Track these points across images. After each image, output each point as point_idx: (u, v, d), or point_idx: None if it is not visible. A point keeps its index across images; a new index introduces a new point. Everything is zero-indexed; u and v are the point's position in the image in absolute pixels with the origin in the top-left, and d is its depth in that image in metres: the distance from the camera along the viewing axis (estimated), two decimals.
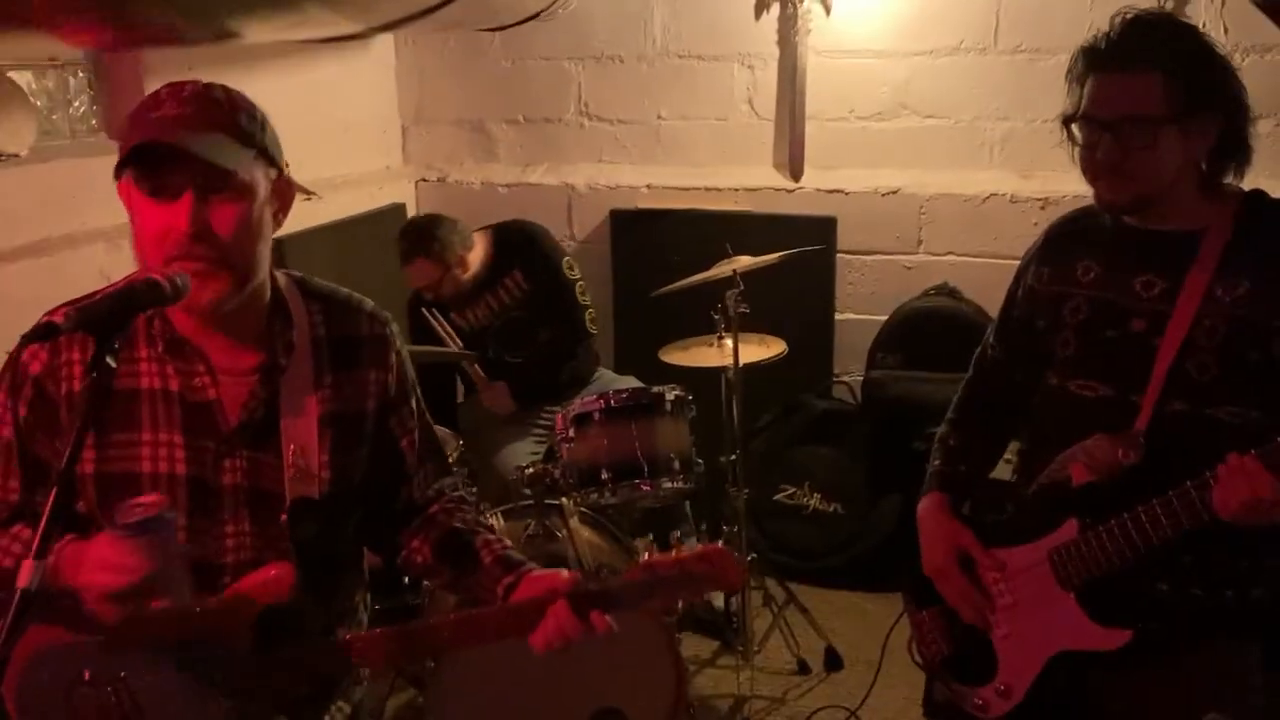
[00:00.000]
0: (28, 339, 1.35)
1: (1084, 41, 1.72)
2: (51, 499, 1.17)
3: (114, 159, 1.36)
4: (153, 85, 3.22)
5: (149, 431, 1.47)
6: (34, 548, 1.14)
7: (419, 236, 3.44)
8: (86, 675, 1.42)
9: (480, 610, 1.55)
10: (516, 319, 3.61)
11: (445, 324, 3.60)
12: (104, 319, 1.24)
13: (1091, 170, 1.70)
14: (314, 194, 3.76)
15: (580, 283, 3.68)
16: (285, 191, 1.51)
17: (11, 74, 2.77)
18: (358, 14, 2.33)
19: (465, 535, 1.65)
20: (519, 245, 3.64)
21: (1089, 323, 1.76)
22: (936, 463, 2.00)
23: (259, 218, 1.43)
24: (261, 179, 1.43)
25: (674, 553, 1.39)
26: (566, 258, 3.71)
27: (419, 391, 1.72)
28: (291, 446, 1.50)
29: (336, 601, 1.64)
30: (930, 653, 1.97)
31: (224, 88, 1.45)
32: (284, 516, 1.50)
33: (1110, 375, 1.73)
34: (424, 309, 3.60)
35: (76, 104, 3.19)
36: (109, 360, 1.22)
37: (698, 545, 1.41)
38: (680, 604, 1.54)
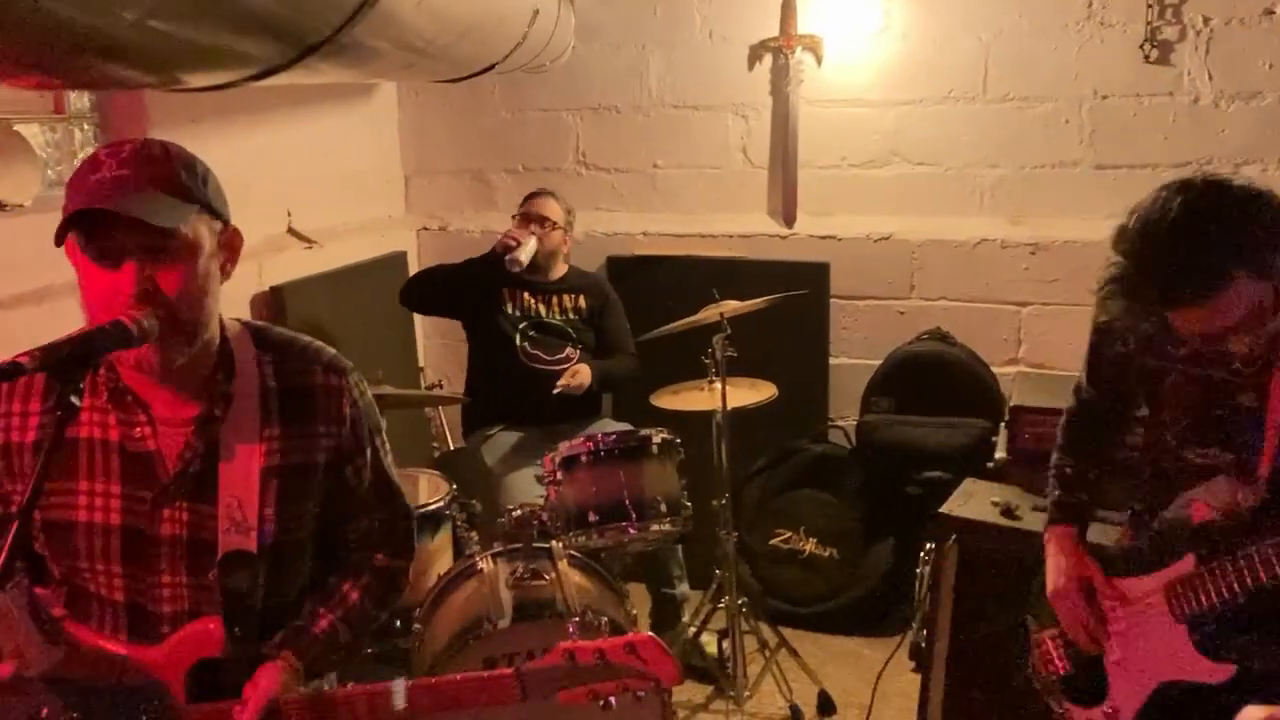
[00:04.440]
0: None
1: (1135, 247, 1.63)
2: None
3: None
4: (157, 137, 3.28)
5: (86, 481, 1.49)
6: None
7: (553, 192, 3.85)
8: (44, 712, 1.42)
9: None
10: (573, 325, 3.74)
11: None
12: (67, 359, 1.27)
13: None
14: (315, 242, 3.87)
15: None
16: (233, 242, 1.51)
17: (18, 127, 2.85)
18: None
19: (316, 593, 1.65)
20: (592, 284, 3.90)
21: (1197, 402, 1.83)
22: (1057, 493, 2.08)
23: (205, 273, 1.43)
24: (206, 233, 1.43)
25: (599, 640, 1.26)
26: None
27: (381, 439, 1.69)
28: (228, 499, 1.49)
29: None
30: (1048, 671, 2.05)
31: (163, 144, 1.44)
32: (213, 570, 1.49)
33: (1227, 444, 1.80)
34: (506, 286, 3.69)
35: (81, 155, 3.28)
36: (73, 399, 1.25)
37: (629, 634, 1.23)
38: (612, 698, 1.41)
